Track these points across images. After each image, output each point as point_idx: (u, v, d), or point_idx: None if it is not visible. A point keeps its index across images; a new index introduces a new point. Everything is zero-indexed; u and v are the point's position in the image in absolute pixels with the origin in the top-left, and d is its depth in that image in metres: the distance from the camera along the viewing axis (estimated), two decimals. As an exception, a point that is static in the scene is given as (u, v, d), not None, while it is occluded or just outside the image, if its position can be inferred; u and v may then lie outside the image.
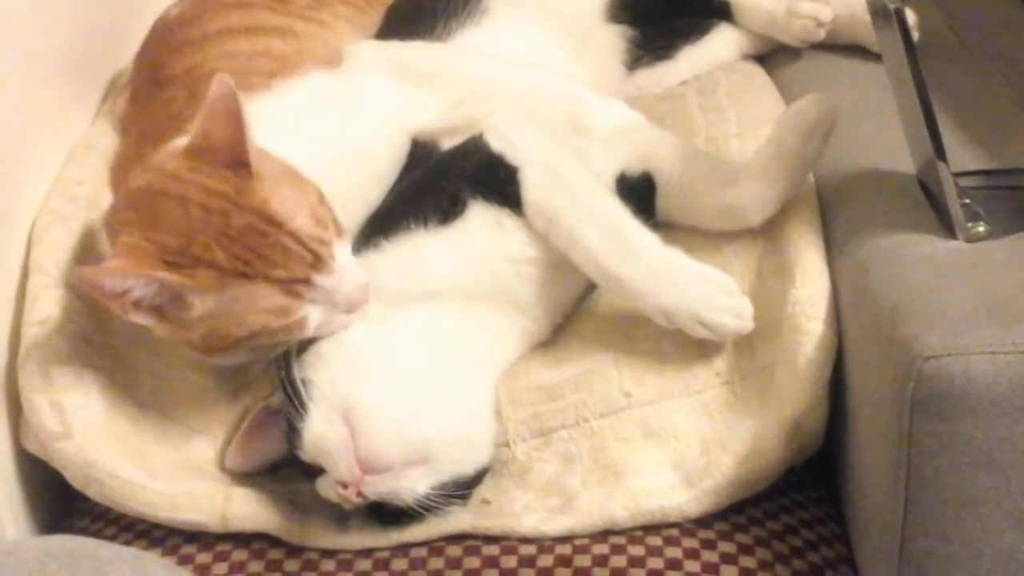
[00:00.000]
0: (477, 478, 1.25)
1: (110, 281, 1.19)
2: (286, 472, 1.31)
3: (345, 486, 1.19)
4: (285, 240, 1.21)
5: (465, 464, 1.24)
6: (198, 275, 1.20)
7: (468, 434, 1.25)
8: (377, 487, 1.19)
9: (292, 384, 1.23)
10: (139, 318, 1.22)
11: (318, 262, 1.23)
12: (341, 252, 1.26)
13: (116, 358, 1.35)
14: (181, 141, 1.29)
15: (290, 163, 1.29)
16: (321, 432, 1.21)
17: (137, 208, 1.25)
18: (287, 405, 1.23)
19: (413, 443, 1.20)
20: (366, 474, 1.18)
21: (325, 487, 1.23)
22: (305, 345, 1.27)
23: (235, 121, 1.22)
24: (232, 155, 1.22)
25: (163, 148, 1.33)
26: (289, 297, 1.22)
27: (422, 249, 1.32)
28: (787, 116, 1.35)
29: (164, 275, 1.18)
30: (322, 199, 1.27)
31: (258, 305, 1.22)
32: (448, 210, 1.32)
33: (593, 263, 1.29)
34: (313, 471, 1.24)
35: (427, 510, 1.22)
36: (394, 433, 1.20)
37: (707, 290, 1.27)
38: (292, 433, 1.23)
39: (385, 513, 1.23)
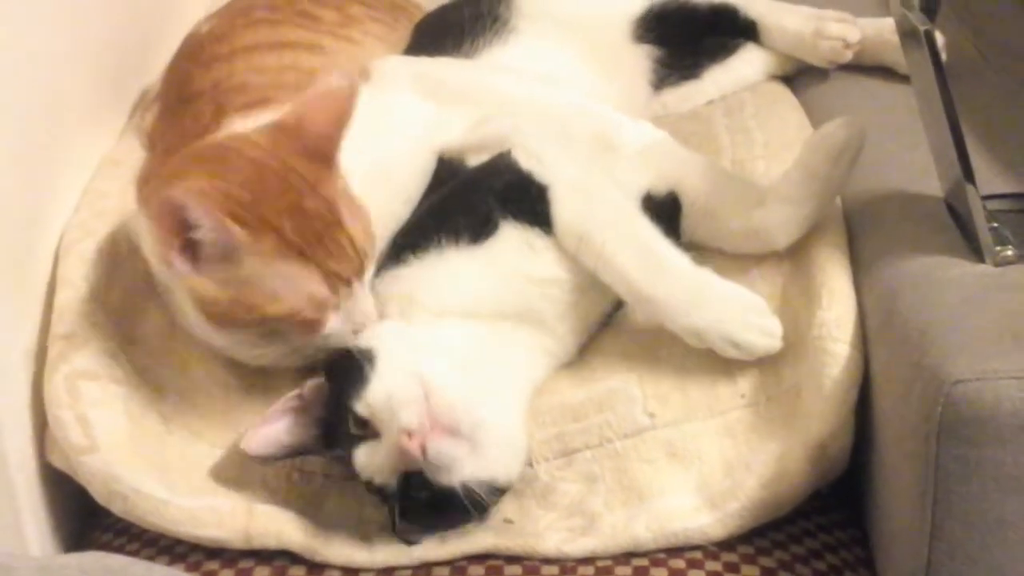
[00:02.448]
0: (500, 492, 1.24)
1: (194, 208, 1.18)
2: (308, 486, 1.30)
3: (411, 436, 1.17)
4: (343, 239, 1.24)
5: (500, 468, 1.22)
6: (262, 237, 1.21)
7: (512, 438, 1.25)
8: (440, 447, 1.17)
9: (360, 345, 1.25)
10: (181, 263, 1.21)
11: (361, 270, 1.26)
12: (368, 275, 1.29)
13: (141, 373, 1.36)
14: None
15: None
16: (394, 382, 1.20)
17: (204, 160, 1.26)
18: (343, 366, 1.24)
19: (475, 418, 1.20)
20: (433, 429, 1.18)
21: (369, 454, 1.21)
22: None
23: (341, 119, 1.26)
24: (320, 148, 1.25)
25: None
26: (329, 292, 1.24)
27: (453, 266, 1.32)
28: (815, 139, 1.35)
29: (237, 229, 1.19)
30: (371, 225, 1.30)
31: (302, 287, 1.23)
32: (480, 229, 1.32)
33: (624, 282, 1.29)
34: (344, 442, 1.22)
35: (449, 513, 1.21)
36: (464, 401, 1.20)
37: (738, 310, 1.27)
38: (350, 390, 1.22)
39: (407, 532, 1.23)
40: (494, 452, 1.22)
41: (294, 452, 1.27)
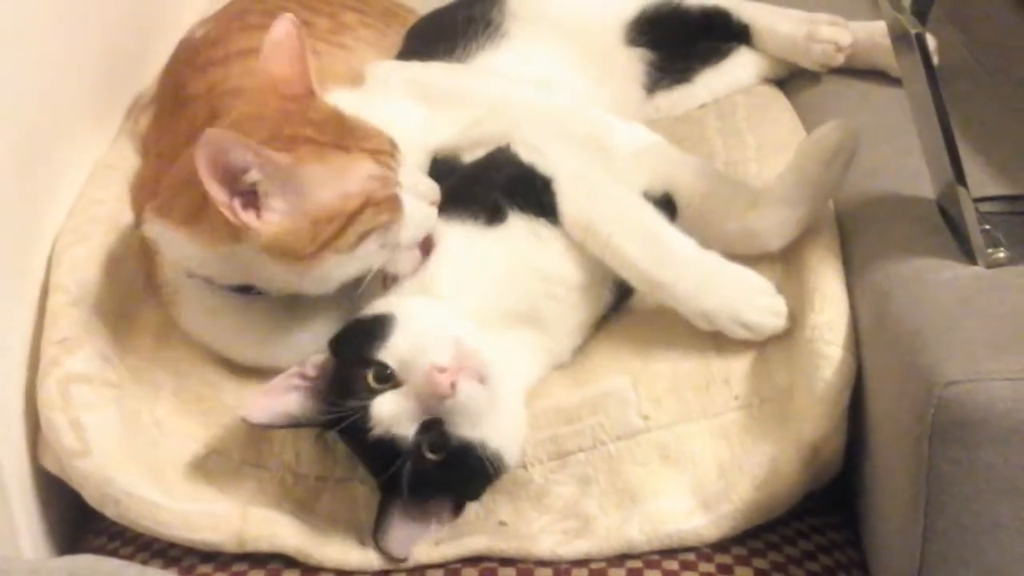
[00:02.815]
0: (499, 473, 1.24)
1: (237, 150, 1.18)
2: (302, 489, 1.30)
3: (442, 371, 1.18)
4: (360, 125, 1.28)
5: (509, 442, 1.24)
6: (299, 150, 1.22)
7: (519, 416, 1.27)
8: (468, 388, 1.18)
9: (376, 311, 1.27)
10: (249, 217, 1.20)
11: (395, 147, 1.29)
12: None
13: (134, 377, 1.36)
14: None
15: None
16: (423, 330, 1.22)
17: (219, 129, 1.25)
18: (358, 331, 1.25)
19: (497, 376, 1.22)
20: (463, 370, 1.19)
21: (390, 403, 1.20)
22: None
23: (299, 55, 1.28)
24: (296, 89, 1.28)
25: None
26: (383, 168, 1.25)
27: (471, 242, 1.32)
28: (808, 143, 1.35)
29: (276, 154, 1.20)
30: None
31: (360, 173, 1.24)
32: (491, 216, 1.33)
33: (633, 269, 1.30)
34: (361, 396, 1.21)
35: (450, 484, 1.23)
36: (489, 355, 1.23)
37: (746, 291, 1.28)
38: (371, 344, 1.22)
39: (388, 537, 1.23)
40: (507, 420, 1.24)
41: (296, 423, 1.26)
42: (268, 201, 1.21)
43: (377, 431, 1.20)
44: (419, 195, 1.29)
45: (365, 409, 1.20)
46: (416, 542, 1.25)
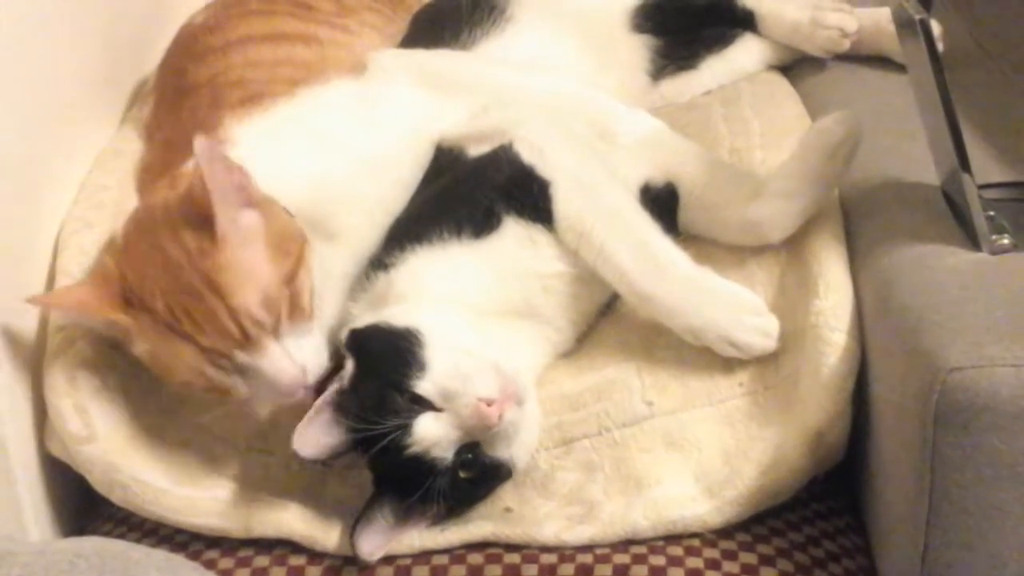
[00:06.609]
0: (502, 483, 1.26)
1: (57, 313, 1.30)
2: (308, 475, 1.31)
3: (489, 404, 1.18)
4: (219, 311, 1.21)
5: (525, 452, 1.25)
6: (140, 318, 1.23)
7: (536, 421, 1.27)
8: (512, 415, 1.20)
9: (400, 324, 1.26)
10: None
11: (246, 341, 1.22)
12: (291, 337, 1.25)
13: (140, 363, 1.36)
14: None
15: (292, 231, 1.29)
16: (461, 358, 1.22)
17: (136, 228, 1.30)
18: (381, 348, 1.24)
19: (531, 398, 1.25)
20: (506, 400, 1.20)
21: (433, 426, 1.20)
22: None
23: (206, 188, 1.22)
24: (207, 215, 1.23)
25: (188, 158, 1.32)
26: (210, 365, 1.23)
27: (456, 260, 1.32)
28: (811, 134, 1.34)
29: (115, 316, 1.24)
30: (290, 280, 1.26)
31: (182, 362, 1.23)
32: (483, 224, 1.32)
33: (624, 280, 1.29)
34: (399, 415, 1.20)
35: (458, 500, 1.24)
36: (521, 375, 1.25)
37: (736, 310, 1.27)
38: (403, 372, 1.21)
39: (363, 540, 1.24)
40: (530, 429, 1.25)
41: (338, 452, 1.24)
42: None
43: (415, 450, 1.20)
44: (262, 382, 1.24)
45: (406, 427, 1.20)
46: (390, 545, 1.24)
